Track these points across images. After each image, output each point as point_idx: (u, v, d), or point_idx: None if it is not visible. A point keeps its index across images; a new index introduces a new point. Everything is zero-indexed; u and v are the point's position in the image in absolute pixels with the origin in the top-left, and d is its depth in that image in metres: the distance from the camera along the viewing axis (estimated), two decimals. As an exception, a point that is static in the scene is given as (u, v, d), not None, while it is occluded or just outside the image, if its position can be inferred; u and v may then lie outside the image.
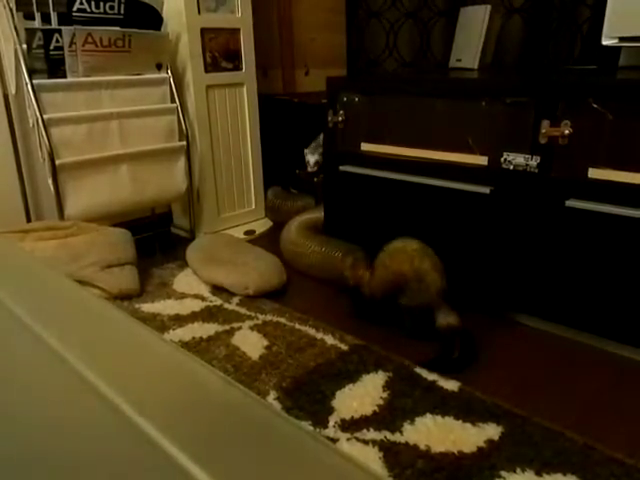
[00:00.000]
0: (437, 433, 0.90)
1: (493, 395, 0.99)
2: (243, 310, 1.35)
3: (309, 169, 2.04)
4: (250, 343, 1.19)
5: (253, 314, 1.33)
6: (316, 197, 2.03)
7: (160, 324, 1.28)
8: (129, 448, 0.25)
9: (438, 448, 0.86)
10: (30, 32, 1.42)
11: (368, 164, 1.49)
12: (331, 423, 0.93)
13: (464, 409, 0.96)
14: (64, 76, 1.48)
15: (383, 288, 1.25)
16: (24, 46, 1.42)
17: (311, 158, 2.03)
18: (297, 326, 1.26)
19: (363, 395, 1.00)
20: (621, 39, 1.29)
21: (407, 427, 0.91)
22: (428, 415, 0.94)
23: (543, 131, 1.13)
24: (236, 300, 1.41)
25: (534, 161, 1.16)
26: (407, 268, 1.19)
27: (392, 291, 1.22)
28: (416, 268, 1.18)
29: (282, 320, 1.29)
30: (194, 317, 1.32)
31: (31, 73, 1.41)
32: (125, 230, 1.52)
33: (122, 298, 1.40)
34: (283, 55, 2.30)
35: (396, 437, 0.89)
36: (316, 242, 1.56)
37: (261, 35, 1.95)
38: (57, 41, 1.44)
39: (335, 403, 0.98)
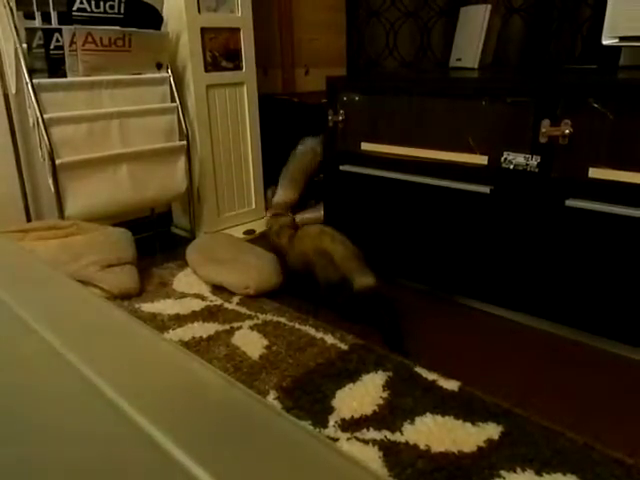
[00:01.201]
0: (437, 433, 0.90)
1: (493, 395, 0.99)
2: (243, 310, 1.35)
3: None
4: (250, 343, 1.19)
5: (253, 314, 1.33)
6: (316, 196, 2.03)
7: (160, 324, 1.28)
8: (129, 447, 0.25)
9: (438, 448, 0.86)
10: (30, 31, 1.42)
11: (368, 164, 1.49)
12: (331, 423, 0.93)
13: (464, 409, 0.96)
14: (64, 75, 1.48)
15: (296, 267, 1.37)
16: (24, 45, 1.42)
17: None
18: (297, 326, 1.26)
19: (363, 395, 1.00)
20: (621, 39, 1.29)
21: (407, 427, 0.91)
22: (428, 415, 0.94)
23: (543, 131, 1.13)
24: (236, 300, 1.41)
25: (534, 161, 1.16)
26: (311, 249, 1.31)
27: (305, 271, 1.33)
28: (317, 246, 1.30)
29: (282, 320, 1.29)
30: (194, 317, 1.32)
31: (31, 72, 1.41)
32: (125, 230, 1.52)
33: (122, 298, 1.40)
34: (283, 54, 2.30)
35: (396, 437, 0.89)
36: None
37: (261, 34, 1.95)
38: (57, 40, 1.44)
39: (335, 403, 0.98)
